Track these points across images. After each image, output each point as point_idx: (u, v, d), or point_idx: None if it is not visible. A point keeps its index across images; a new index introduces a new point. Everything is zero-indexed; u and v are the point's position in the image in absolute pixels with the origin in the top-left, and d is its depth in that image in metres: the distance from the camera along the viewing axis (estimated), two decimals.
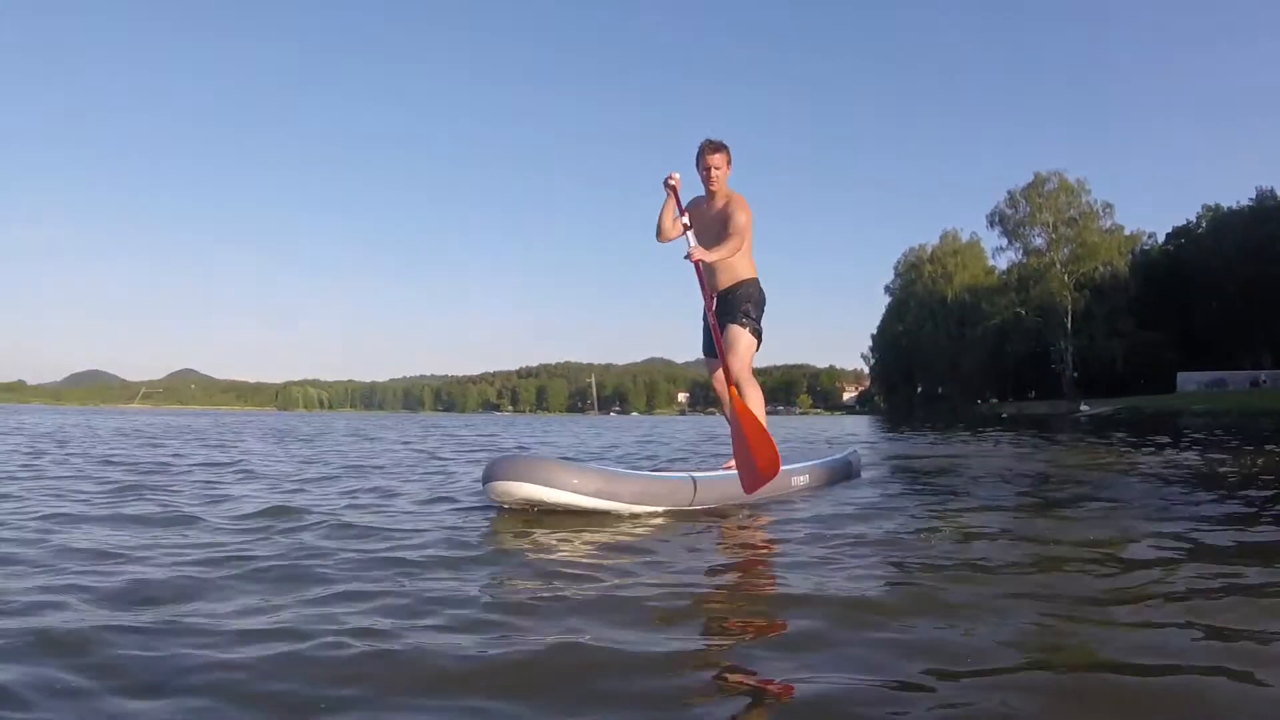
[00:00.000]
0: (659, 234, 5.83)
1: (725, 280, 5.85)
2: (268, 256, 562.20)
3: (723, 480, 5.18)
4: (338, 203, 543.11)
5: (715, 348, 5.78)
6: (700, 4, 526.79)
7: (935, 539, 3.79)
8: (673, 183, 5.74)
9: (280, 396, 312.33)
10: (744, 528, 4.37)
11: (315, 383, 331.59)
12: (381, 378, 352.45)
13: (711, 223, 5.79)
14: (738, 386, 5.63)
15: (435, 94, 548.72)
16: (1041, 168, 67.90)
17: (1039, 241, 66.86)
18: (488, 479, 4.46)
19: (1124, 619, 2.41)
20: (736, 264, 5.82)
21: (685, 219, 5.71)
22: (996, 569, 3.10)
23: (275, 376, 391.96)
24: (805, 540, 3.77)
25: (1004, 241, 69.87)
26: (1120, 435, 15.71)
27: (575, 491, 4.38)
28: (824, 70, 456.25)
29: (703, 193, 5.89)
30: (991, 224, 70.10)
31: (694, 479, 4.96)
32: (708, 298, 5.70)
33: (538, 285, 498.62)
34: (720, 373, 5.79)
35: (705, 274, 5.76)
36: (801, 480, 5.98)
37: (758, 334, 5.87)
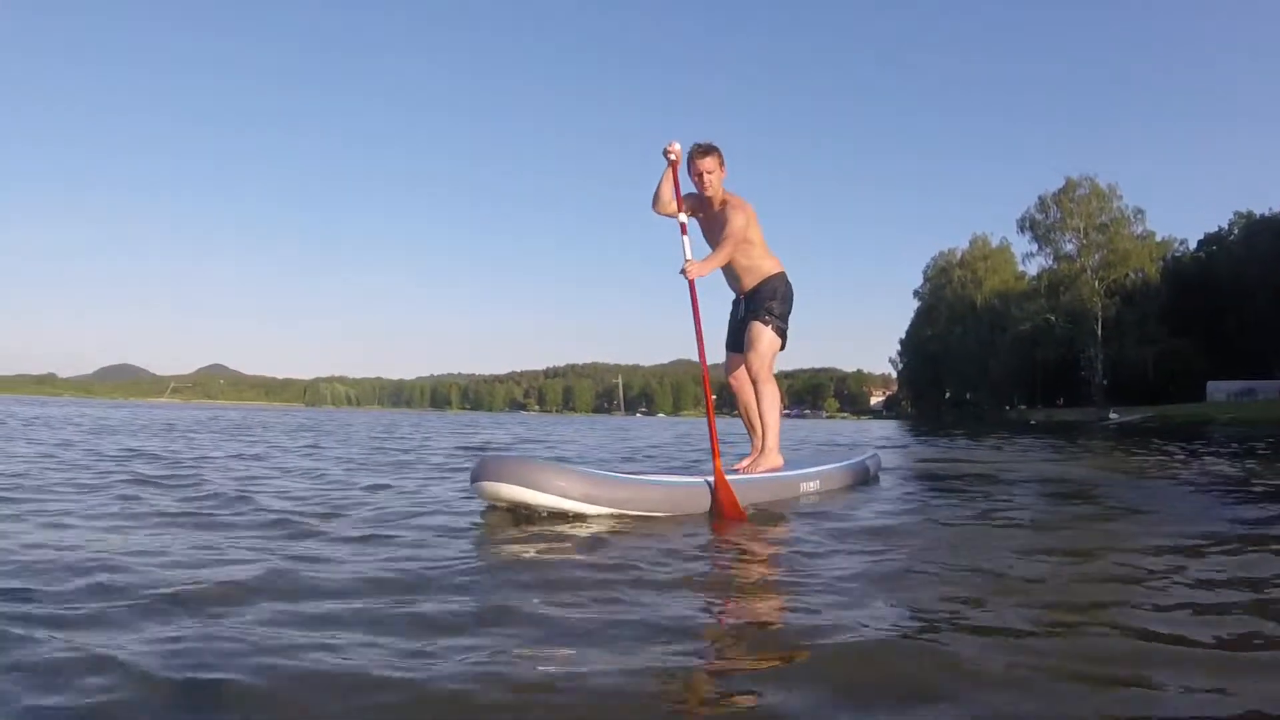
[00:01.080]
0: (655, 202, 5.52)
1: (750, 280, 5.71)
2: (298, 254, 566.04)
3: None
4: (369, 202, 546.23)
5: (736, 343, 5.77)
6: (735, 4, 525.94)
7: (956, 550, 3.59)
8: (672, 155, 5.43)
9: (308, 393, 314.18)
10: (747, 536, 4.09)
11: (343, 379, 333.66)
12: (409, 375, 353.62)
13: (713, 227, 5.62)
14: (755, 385, 5.61)
15: (470, 95, 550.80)
16: (1073, 172, 67.15)
17: (1070, 247, 66.07)
18: (474, 479, 4.33)
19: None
20: (759, 262, 5.67)
21: (683, 216, 5.42)
22: (1031, 592, 2.84)
23: (303, 373, 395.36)
24: (810, 554, 3.53)
25: (1034, 247, 69.15)
26: (1152, 443, 15.66)
27: (560, 495, 4.21)
28: (853, 72, 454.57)
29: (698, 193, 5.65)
30: (1022, 229, 69.36)
31: (689, 483, 4.78)
32: (697, 310, 5.26)
33: (565, 285, 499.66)
34: (737, 370, 5.76)
35: (729, 279, 5.76)
36: (811, 485, 5.75)
37: (781, 332, 5.66)
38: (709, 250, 5.57)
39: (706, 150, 5.43)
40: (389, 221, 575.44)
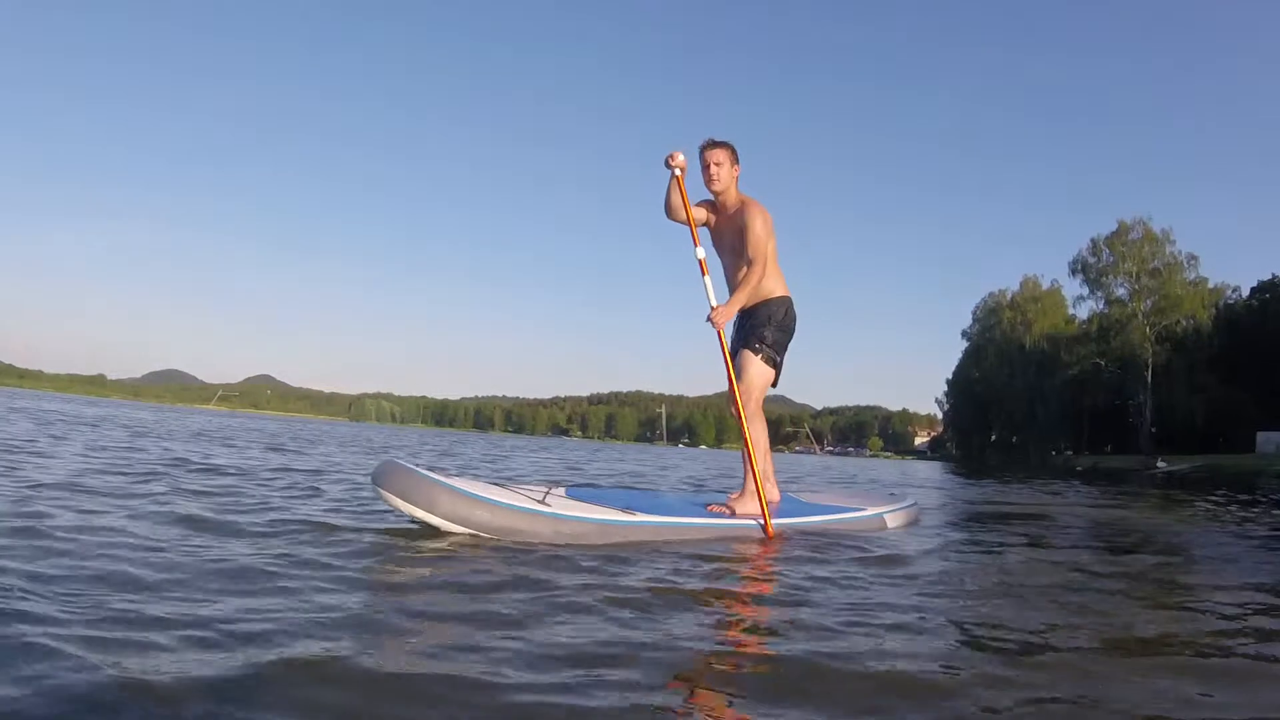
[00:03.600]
0: (667, 209, 5.19)
1: (748, 299, 5.20)
2: (349, 269, 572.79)
3: (632, 525, 4.32)
4: (425, 222, 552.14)
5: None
6: (792, 39, 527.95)
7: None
8: (676, 165, 5.07)
9: (353, 408, 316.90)
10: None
11: (388, 396, 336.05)
12: (454, 395, 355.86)
13: (725, 229, 5.25)
14: (742, 419, 5.00)
15: (515, 120, 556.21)
16: (1125, 215, 66.33)
17: (1121, 291, 65.32)
18: (373, 480, 4.08)
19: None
20: (762, 280, 5.16)
21: (700, 252, 4.99)
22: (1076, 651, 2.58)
23: (349, 388, 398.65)
24: (850, 588, 3.31)
25: (1085, 290, 68.43)
26: (1202, 494, 15.29)
27: (427, 510, 3.90)
28: (915, 113, 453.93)
29: (708, 198, 5.29)
30: (1073, 272, 68.62)
31: (580, 517, 4.20)
32: (728, 357, 5.00)
33: (612, 312, 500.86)
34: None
35: (730, 290, 5.28)
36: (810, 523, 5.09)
37: (773, 363, 5.19)
38: (721, 261, 5.34)
39: (719, 143, 5.14)
40: (442, 243, 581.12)
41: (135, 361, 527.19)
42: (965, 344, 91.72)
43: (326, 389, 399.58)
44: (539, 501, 4.14)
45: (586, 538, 4.11)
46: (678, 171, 5.09)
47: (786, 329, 5.26)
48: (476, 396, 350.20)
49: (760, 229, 5.04)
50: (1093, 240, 66.69)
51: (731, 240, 5.22)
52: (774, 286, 5.26)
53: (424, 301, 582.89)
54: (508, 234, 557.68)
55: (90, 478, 5.60)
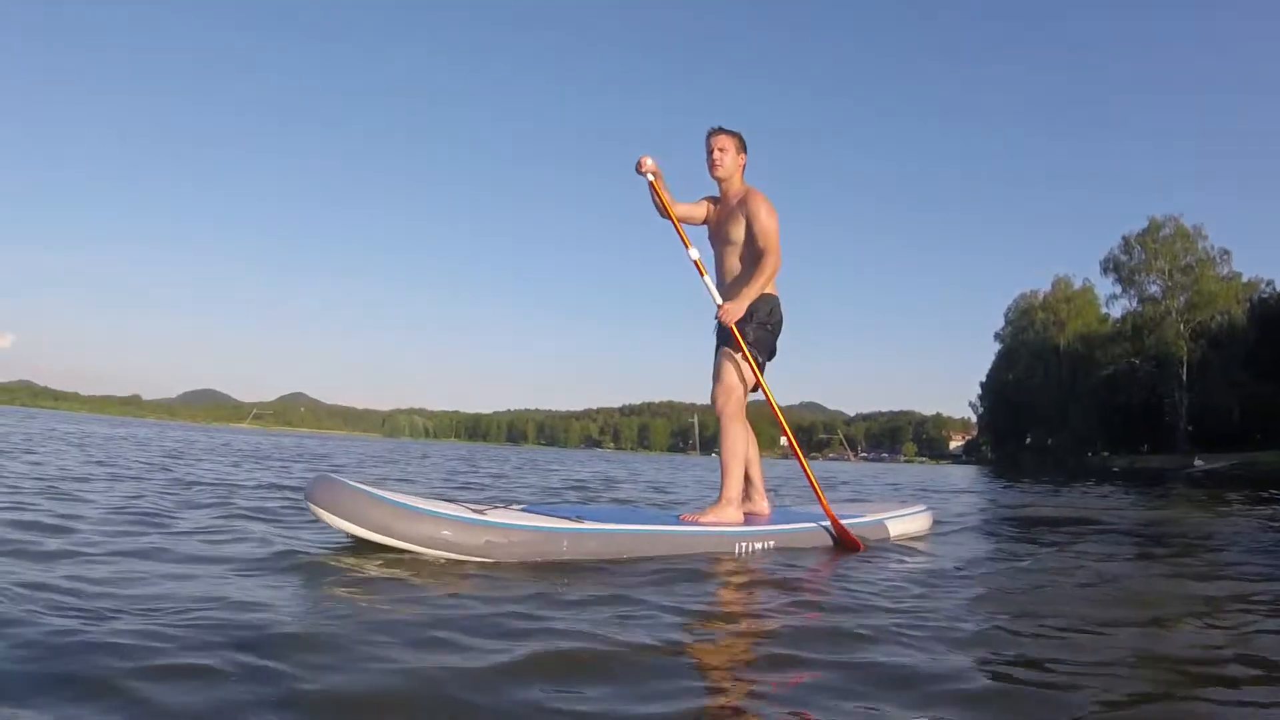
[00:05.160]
0: (660, 210, 5.02)
1: (733, 295, 4.90)
2: (380, 284, 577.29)
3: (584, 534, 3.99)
4: (448, 238, 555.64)
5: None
6: (816, 38, 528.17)
7: None
8: (645, 171, 4.94)
9: (386, 423, 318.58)
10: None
11: (421, 411, 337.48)
12: (486, 410, 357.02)
13: (725, 221, 4.98)
14: (720, 421, 4.82)
15: (541, 138, 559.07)
16: (1156, 212, 65.83)
17: (1154, 289, 64.80)
18: (306, 496, 3.87)
19: None
20: (746, 275, 4.88)
21: (694, 253, 4.90)
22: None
23: (382, 403, 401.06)
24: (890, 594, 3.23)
25: (1118, 289, 67.91)
26: (1241, 491, 14.99)
27: (358, 524, 3.67)
28: (933, 113, 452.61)
29: (715, 193, 5.12)
30: (1105, 270, 68.14)
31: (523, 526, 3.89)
32: (747, 351, 4.82)
33: (643, 322, 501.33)
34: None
35: (719, 289, 5.01)
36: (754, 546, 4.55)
37: (755, 363, 4.85)
38: (713, 252, 5.11)
39: (726, 130, 4.95)
40: (468, 260, 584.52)
41: (170, 381, 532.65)
42: (998, 346, 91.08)
43: (359, 405, 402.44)
44: (476, 512, 3.89)
45: (531, 548, 3.82)
46: (650, 177, 4.95)
47: (770, 328, 4.93)
48: (509, 410, 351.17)
49: (767, 218, 4.82)
50: (1124, 238, 66.29)
51: (729, 230, 4.95)
52: None
53: (455, 316, 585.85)
54: (538, 248, 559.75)
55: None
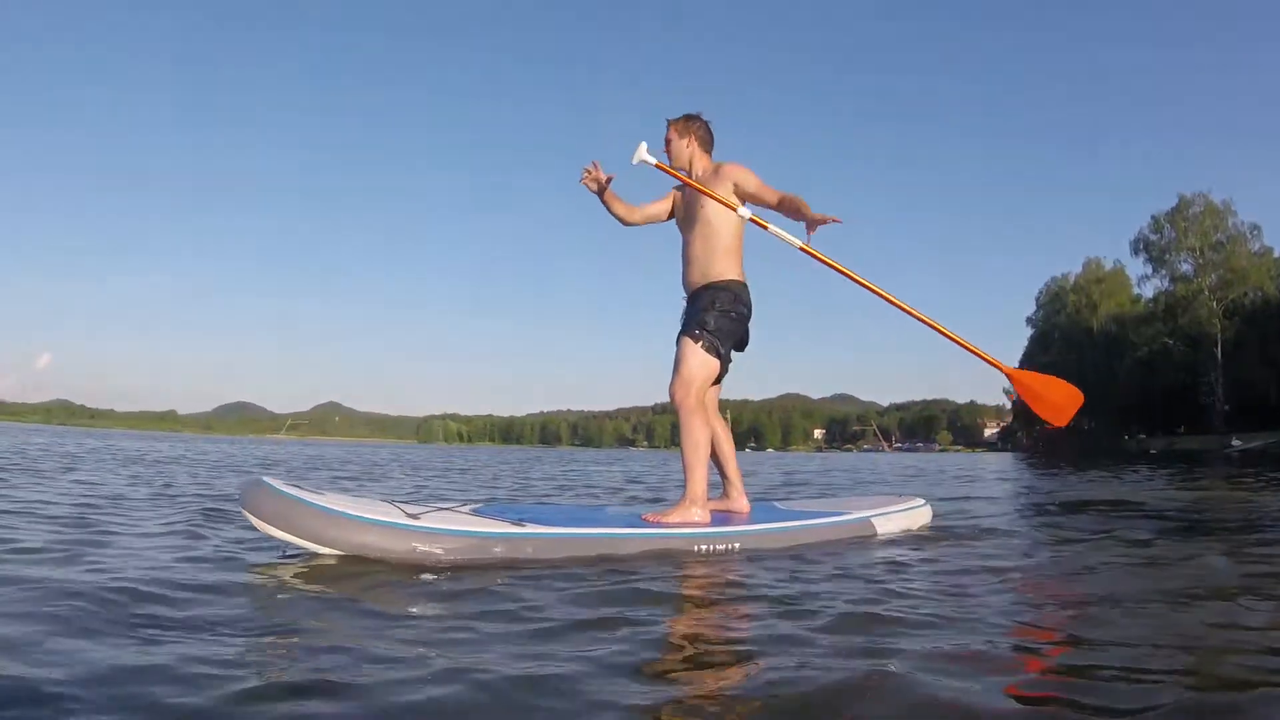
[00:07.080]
0: (621, 221, 4.94)
1: (696, 277, 4.74)
2: (409, 290, 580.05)
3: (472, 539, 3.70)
4: (479, 240, 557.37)
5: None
6: (842, 33, 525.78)
7: None
8: (589, 181, 4.86)
9: (420, 430, 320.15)
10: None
11: (454, 416, 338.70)
12: (519, 412, 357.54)
13: (690, 204, 4.83)
14: (678, 414, 4.54)
15: (569, 135, 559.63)
16: (1185, 189, 65.12)
17: (1185, 268, 64.09)
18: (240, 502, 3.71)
19: None
20: (712, 259, 4.69)
21: (746, 210, 4.60)
22: None
23: (416, 410, 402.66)
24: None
25: (1149, 269, 67.22)
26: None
27: (286, 530, 3.51)
28: (961, 98, 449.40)
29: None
30: (1135, 251, 67.45)
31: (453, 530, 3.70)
32: (845, 269, 4.62)
33: (672, 320, 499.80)
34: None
35: (681, 276, 4.86)
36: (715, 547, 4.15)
37: (716, 353, 4.57)
38: (681, 238, 4.91)
39: (670, 121, 4.87)
40: (499, 262, 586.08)
41: (205, 396, 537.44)
42: (1030, 330, 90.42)
43: (393, 412, 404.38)
44: (410, 517, 3.70)
45: (461, 554, 3.62)
46: (594, 186, 4.87)
47: (731, 316, 4.63)
48: (542, 412, 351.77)
49: (747, 174, 4.65)
50: (1154, 217, 65.62)
51: (694, 211, 4.76)
52: (725, 269, 4.70)
53: (485, 319, 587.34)
54: (564, 249, 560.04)
55: None
